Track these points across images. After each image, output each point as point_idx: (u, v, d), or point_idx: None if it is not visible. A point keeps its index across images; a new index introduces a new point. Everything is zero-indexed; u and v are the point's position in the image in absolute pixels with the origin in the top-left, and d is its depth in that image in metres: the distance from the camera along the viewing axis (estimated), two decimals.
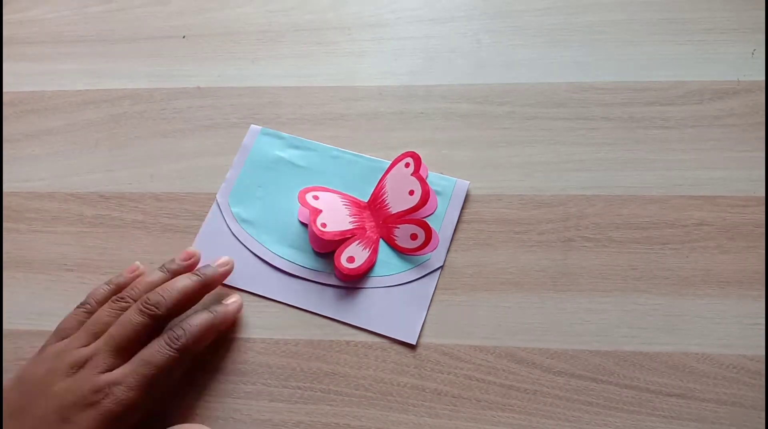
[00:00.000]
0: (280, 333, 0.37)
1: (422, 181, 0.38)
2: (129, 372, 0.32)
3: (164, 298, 0.34)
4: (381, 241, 0.39)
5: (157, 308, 0.33)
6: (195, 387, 0.36)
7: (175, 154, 0.43)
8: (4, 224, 0.42)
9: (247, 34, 0.48)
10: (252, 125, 0.43)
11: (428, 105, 0.44)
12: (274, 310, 0.38)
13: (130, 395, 0.31)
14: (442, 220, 0.39)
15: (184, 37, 0.48)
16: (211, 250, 0.39)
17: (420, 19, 0.47)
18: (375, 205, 0.40)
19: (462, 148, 0.42)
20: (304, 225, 0.40)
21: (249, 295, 0.38)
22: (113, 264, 0.40)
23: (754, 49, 0.43)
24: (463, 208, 0.40)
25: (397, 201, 0.39)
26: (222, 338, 0.37)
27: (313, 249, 0.39)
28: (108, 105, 0.46)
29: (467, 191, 0.40)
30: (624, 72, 0.43)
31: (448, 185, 0.40)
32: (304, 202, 0.38)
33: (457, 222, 0.39)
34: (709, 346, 0.35)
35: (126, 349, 0.33)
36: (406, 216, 0.38)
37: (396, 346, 0.36)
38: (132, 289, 0.35)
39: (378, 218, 0.39)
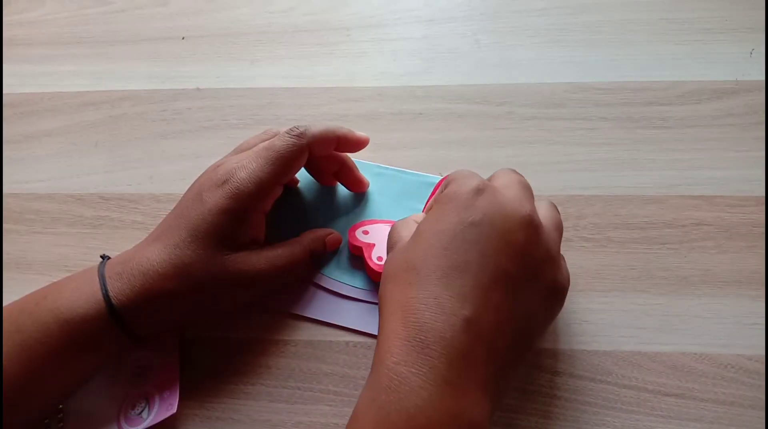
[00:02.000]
0: (280, 333, 0.37)
1: None
2: (253, 157, 0.34)
3: (311, 127, 0.35)
4: None
5: (301, 133, 0.35)
6: (195, 387, 0.36)
7: (174, 155, 0.43)
8: (4, 225, 0.42)
9: (246, 35, 0.48)
10: None
11: (427, 105, 0.44)
12: (274, 311, 0.38)
13: (253, 176, 0.33)
14: None
15: (183, 38, 0.48)
16: None
17: (419, 20, 0.47)
18: None
19: (461, 148, 0.42)
20: (357, 256, 0.39)
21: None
22: None
23: (753, 49, 0.43)
24: None
25: None
26: (222, 338, 0.37)
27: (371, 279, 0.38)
28: (108, 106, 0.46)
29: None
30: (622, 72, 0.43)
31: None
32: (355, 241, 0.38)
33: None
34: (708, 345, 0.35)
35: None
36: None
37: None
38: None
39: None
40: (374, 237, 0.38)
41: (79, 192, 0.43)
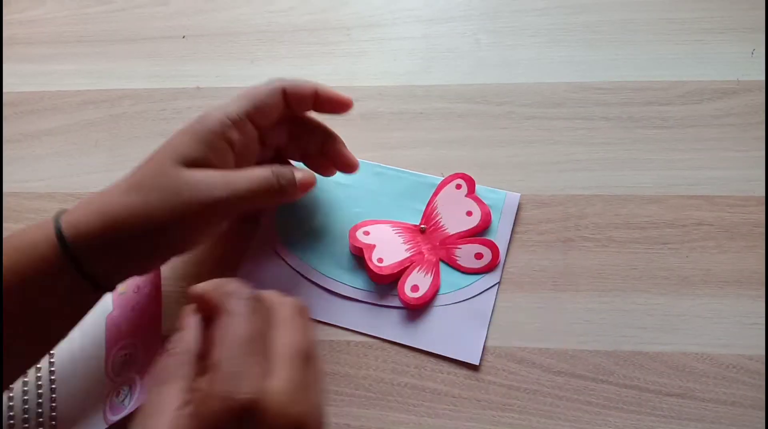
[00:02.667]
0: None
1: (480, 203, 0.39)
2: (228, 101, 0.34)
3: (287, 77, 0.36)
4: (441, 262, 0.38)
5: (276, 79, 0.36)
6: None
7: None
8: (4, 224, 0.42)
9: (246, 34, 0.48)
10: None
11: (427, 105, 0.44)
12: None
13: (222, 106, 0.34)
14: (496, 234, 0.39)
15: (183, 37, 0.48)
16: (258, 273, 0.38)
17: (419, 19, 0.47)
18: (429, 227, 0.39)
19: (461, 148, 0.42)
20: (358, 257, 0.39)
21: None
22: None
23: (754, 49, 0.43)
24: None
25: (454, 222, 0.39)
26: None
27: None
28: (108, 105, 0.46)
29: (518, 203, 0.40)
30: (623, 72, 0.43)
31: (498, 199, 0.39)
32: (355, 241, 0.38)
33: (511, 235, 0.39)
34: (709, 345, 0.35)
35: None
36: (466, 236, 0.38)
37: (395, 347, 0.36)
38: None
39: (434, 240, 0.39)
40: (375, 238, 0.38)
41: (79, 191, 0.43)
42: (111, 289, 0.31)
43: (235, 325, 0.24)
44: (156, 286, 0.37)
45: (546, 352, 0.35)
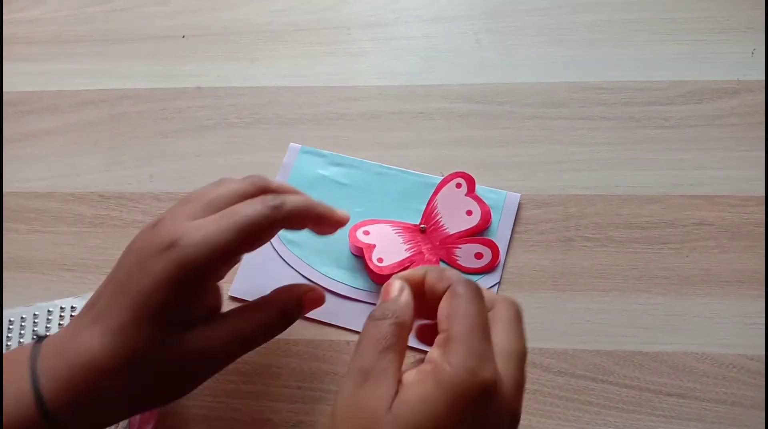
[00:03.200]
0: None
1: (480, 202, 0.39)
2: (212, 220, 0.28)
3: (288, 201, 0.29)
4: (441, 262, 0.38)
5: (277, 205, 0.29)
6: None
7: (174, 154, 0.43)
8: (4, 224, 0.42)
9: (246, 33, 0.48)
10: (291, 144, 0.43)
11: (428, 105, 0.44)
12: None
13: (209, 241, 0.27)
14: (495, 234, 0.39)
15: (183, 37, 0.48)
16: (258, 273, 0.39)
17: (420, 19, 0.47)
18: (429, 227, 0.39)
19: (462, 147, 0.42)
20: (358, 257, 0.38)
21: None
22: (113, 264, 0.40)
23: (754, 49, 0.43)
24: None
25: (454, 221, 0.39)
26: None
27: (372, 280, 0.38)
28: (108, 105, 0.46)
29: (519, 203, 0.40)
30: (624, 72, 0.43)
31: (499, 199, 0.39)
32: (355, 241, 0.38)
33: (511, 235, 0.39)
34: (709, 345, 0.35)
35: (217, 207, 0.29)
36: (466, 236, 0.38)
37: None
38: None
39: (434, 240, 0.39)
40: (375, 237, 0.38)
41: (79, 191, 0.43)
42: None
43: (468, 307, 0.25)
44: None
45: (546, 352, 0.35)
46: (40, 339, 0.28)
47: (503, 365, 0.25)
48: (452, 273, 0.27)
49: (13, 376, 0.27)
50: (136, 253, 0.28)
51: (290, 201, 0.29)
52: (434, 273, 0.27)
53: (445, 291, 0.26)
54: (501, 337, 0.26)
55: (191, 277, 0.27)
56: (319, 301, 0.33)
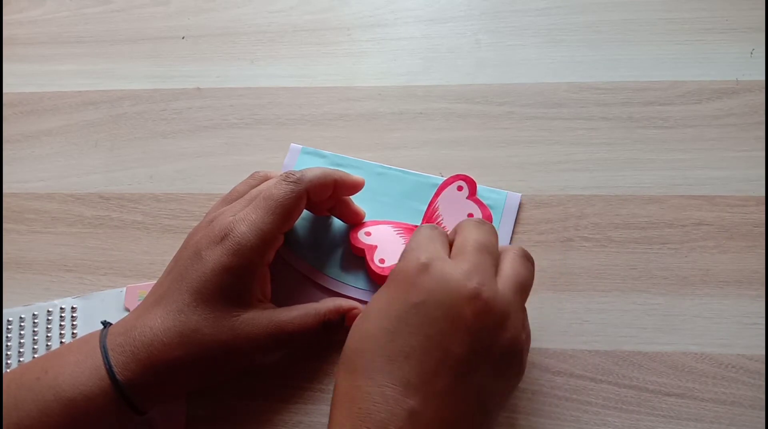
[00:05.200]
0: None
1: (481, 205, 0.39)
2: (251, 208, 0.32)
3: (307, 172, 0.34)
4: None
5: (298, 179, 0.34)
6: None
7: (174, 154, 0.43)
8: (4, 225, 0.42)
9: (246, 34, 0.48)
10: (292, 144, 0.43)
11: (427, 105, 0.44)
12: None
13: (255, 228, 0.32)
14: None
15: (183, 37, 0.48)
16: None
17: (419, 20, 0.47)
18: None
19: (461, 148, 0.42)
20: (360, 257, 0.38)
21: None
22: (113, 265, 0.40)
23: (753, 49, 0.43)
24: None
25: (455, 224, 0.39)
26: None
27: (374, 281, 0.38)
28: (107, 106, 0.46)
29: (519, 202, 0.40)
30: (623, 72, 0.43)
31: (499, 199, 0.40)
32: (357, 242, 0.38)
33: (512, 235, 0.39)
34: (708, 345, 0.35)
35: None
36: None
37: None
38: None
39: None
40: (376, 238, 0.38)
41: (79, 191, 0.43)
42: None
43: (468, 227, 0.32)
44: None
45: (545, 352, 0.35)
46: (106, 324, 0.33)
47: (508, 291, 0.29)
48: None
49: (86, 354, 0.30)
50: (193, 247, 0.32)
51: (309, 173, 0.34)
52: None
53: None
54: (506, 266, 0.30)
55: (244, 262, 0.31)
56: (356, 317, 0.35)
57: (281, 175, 0.34)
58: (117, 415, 0.30)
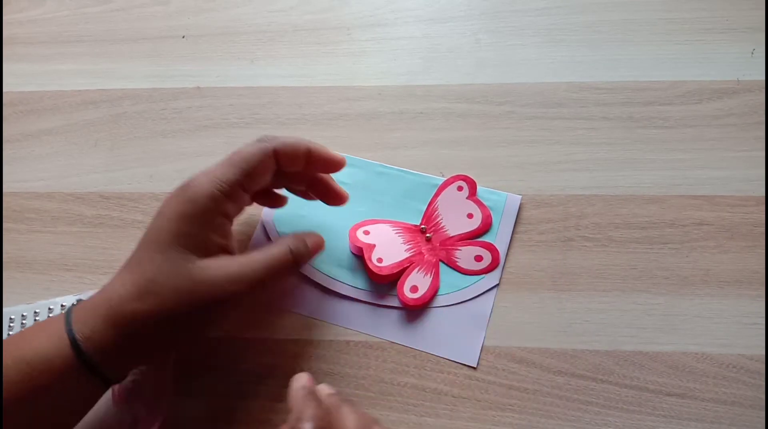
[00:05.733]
0: (281, 333, 0.37)
1: (481, 205, 0.39)
2: (218, 164, 0.32)
3: (279, 136, 0.34)
4: (440, 263, 0.38)
5: (267, 137, 0.33)
6: (195, 387, 0.36)
7: (174, 154, 0.43)
8: (4, 224, 0.42)
9: (246, 34, 0.48)
10: None
11: (427, 105, 0.44)
12: (275, 310, 0.38)
13: (212, 178, 0.31)
14: (495, 236, 0.39)
15: (183, 37, 0.48)
16: None
17: (419, 19, 0.47)
18: (429, 228, 0.39)
19: (461, 148, 0.42)
20: (358, 256, 0.39)
21: None
22: (113, 264, 0.40)
23: (754, 49, 0.43)
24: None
25: (455, 223, 0.39)
26: (223, 338, 0.37)
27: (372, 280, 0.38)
28: (107, 105, 0.46)
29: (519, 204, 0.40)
30: (623, 72, 0.43)
31: (499, 200, 0.40)
32: (355, 241, 0.38)
33: (512, 236, 0.39)
34: (709, 345, 0.35)
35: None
36: (467, 238, 0.38)
37: (395, 346, 0.36)
38: None
39: (434, 241, 0.39)
40: (375, 237, 0.38)
41: (79, 191, 0.43)
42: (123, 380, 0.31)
43: None
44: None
45: (546, 352, 0.35)
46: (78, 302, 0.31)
47: None
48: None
49: (50, 321, 0.30)
50: (162, 205, 0.32)
51: (282, 136, 0.33)
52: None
53: None
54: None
55: (198, 208, 0.31)
56: (321, 244, 0.36)
57: (257, 137, 0.34)
58: (79, 379, 0.28)
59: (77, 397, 0.30)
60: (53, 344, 0.28)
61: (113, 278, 0.31)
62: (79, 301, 0.31)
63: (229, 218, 0.33)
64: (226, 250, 0.32)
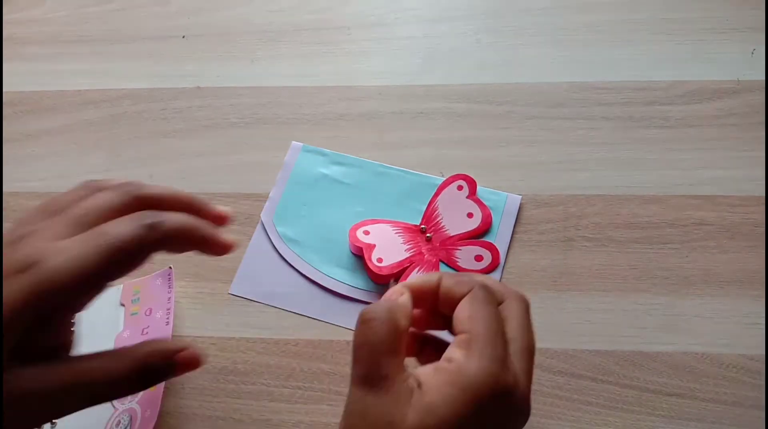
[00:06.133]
0: (280, 333, 0.37)
1: (481, 205, 0.39)
2: (78, 240, 0.24)
3: (167, 219, 0.26)
4: (440, 263, 0.38)
5: (152, 224, 0.25)
6: (195, 387, 0.36)
7: (174, 154, 0.43)
8: (4, 224, 0.42)
9: (246, 34, 0.48)
10: (293, 142, 0.43)
11: (428, 105, 0.44)
12: (274, 311, 0.38)
13: (72, 265, 0.23)
14: (496, 236, 0.39)
15: (183, 37, 0.48)
16: (258, 271, 0.39)
17: (420, 19, 0.47)
18: (429, 228, 0.39)
19: (462, 147, 0.42)
20: (358, 256, 0.38)
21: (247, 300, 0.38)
22: None
23: (754, 49, 0.43)
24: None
25: (455, 223, 0.39)
26: (222, 338, 0.37)
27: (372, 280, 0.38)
28: (108, 105, 0.46)
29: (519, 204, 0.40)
30: (624, 72, 0.43)
31: (499, 200, 0.40)
32: (355, 241, 0.38)
33: (512, 236, 0.39)
34: (709, 345, 0.35)
35: (87, 224, 0.25)
36: (467, 238, 0.38)
37: None
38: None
39: (434, 241, 0.39)
40: (375, 237, 0.38)
41: None
42: None
43: (484, 311, 0.26)
44: (168, 311, 0.36)
45: (546, 352, 0.35)
46: None
47: (517, 362, 0.25)
48: (470, 277, 0.28)
49: None
50: None
51: (171, 220, 0.25)
52: (450, 278, 0.27)
53: (463, 295, 0.27)
54: (514, 333, 0.26)
55: (46, 304, 0.23)
56: (194, 362, 0.26)
57: (136, 214, 0.25)
58: None
59: None
60: None
61: None
62: None
63: (81, 308, 0.26)
64: (64, 347, 0.27)
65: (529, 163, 0.41)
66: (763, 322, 0.35)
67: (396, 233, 0.39)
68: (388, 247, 0.38)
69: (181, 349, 0.26)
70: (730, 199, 0.39)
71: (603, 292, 0.37)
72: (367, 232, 0.38)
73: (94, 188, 0.27)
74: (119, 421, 0.34)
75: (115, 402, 0.34)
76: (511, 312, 0.27)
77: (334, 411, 0.35)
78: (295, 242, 0.39)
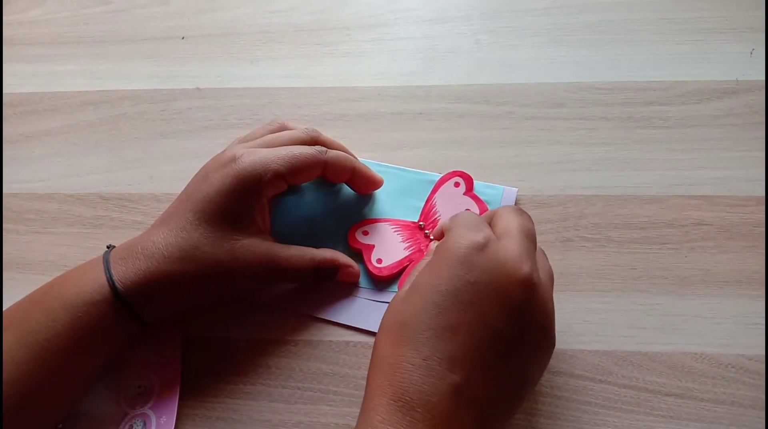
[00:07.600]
0: (280, 333, 0.37)
1: (478, 201, 0.39)
2: (268, 150, 0.34)
3: (331, 151, 0.36)
4: None
5: (321, 151, 0.35)
6: (195, 387, 0.36)
7: (174, 154, 0.43)
8: (4, 225, 0.42)
9: (246, 34, 0.48)
10: None
11: (427, 105, 0.44)
12: (274, 311, 0.38)
13: (263, 160, 0.33)
14: None
15: (183, 38, 0.48)
16: None
17: (419, 20, 0.47)
18: (428, 225, 0.39)
19: (461, 148, 0.42)
20: (358, 255, 0.38)
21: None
22: None
23: (753, 49, 0.43)
24: None
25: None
26: (223, 338, 0.37)
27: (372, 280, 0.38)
28: (108, 106, 0.46)
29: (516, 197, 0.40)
30: (623, 72, 0.43)
31: (496, 194, 0.40)
32: (354, 242, 0.38)
33: None
34: (708, 345, 0.35)
35: (274, 146, 0.35)
36: None
37: None
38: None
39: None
40: (374, 238, 0.38)
41: (78, 192, 0.43)
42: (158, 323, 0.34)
43: (463, 213, 0.32)
44: (178, 321, 0.37)
45: None
46: (111, 247, 0.34)
47: (507, 239, 0.30)
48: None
49: (89, 268, 0.33)
50: (203, 171, 0.35)
51: (335, 152, 0.36)
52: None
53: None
54: (505, 217, 0.31)
55: (245, 186, 0.33)
56: (353, 277, 0.37)
57: (304, 131, 0.36)
58: (118, 322, 0.32)
59: (116, 341, 0.33)
60: (97, 291, 0.31)
61: (152, 233, 0.33)
62: (110, 247, 0.34)
63: (269, 202, 0.35)
64: (264, 232, 0.35)
65: (528, 164, 0.41)
66: (763, 322, 0.35)
67: (395, 232, 0.39)
68: (388, 247, 0.38)
69: (347, 265, 0.36)
70: (729, 200, 0.39)
71: (602, 292, 0.37)
72: (366, 233, 0.38)
73: (279, 126, 0.38)
74: (131, 426, 0.34)
75: (126, 407, 0.34)
76: (499, 216, 0.32)
77: (334, 411, 0.35)
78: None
